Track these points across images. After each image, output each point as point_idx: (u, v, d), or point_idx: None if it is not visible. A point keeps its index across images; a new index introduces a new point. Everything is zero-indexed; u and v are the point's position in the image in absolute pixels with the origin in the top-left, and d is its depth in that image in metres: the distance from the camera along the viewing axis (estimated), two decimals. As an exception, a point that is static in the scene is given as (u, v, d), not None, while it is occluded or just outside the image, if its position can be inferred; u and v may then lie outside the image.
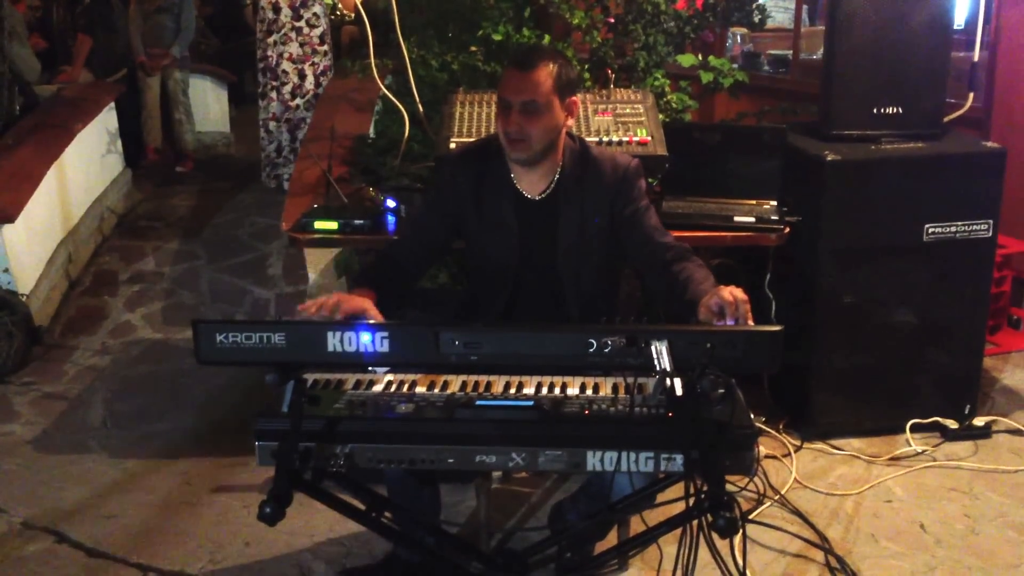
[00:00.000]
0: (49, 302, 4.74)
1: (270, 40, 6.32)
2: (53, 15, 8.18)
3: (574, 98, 2.44)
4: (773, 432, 3.45)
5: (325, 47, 6.39)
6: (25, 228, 4.57)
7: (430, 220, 2.58)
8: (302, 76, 6.36)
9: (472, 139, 3.07)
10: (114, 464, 3.38)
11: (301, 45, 6.32)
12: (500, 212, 2.51)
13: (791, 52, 5.79)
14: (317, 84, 6.37)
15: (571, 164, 2.49)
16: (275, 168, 6.57)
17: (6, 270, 4.37)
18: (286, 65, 6.34)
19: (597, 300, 2.57)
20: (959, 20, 3.97)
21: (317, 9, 6.33)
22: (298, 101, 6.38)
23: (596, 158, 2.52)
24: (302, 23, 6.31)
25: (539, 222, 2.50)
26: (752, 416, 1.94)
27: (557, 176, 2.49)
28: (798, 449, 3.36)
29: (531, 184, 2.50)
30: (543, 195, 2.50)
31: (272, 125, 6.49)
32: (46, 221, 4.96)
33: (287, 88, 6.38)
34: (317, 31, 6.33)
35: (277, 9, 6.28)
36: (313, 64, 6.35)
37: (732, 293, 2.03)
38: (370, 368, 2.08)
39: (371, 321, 2.07)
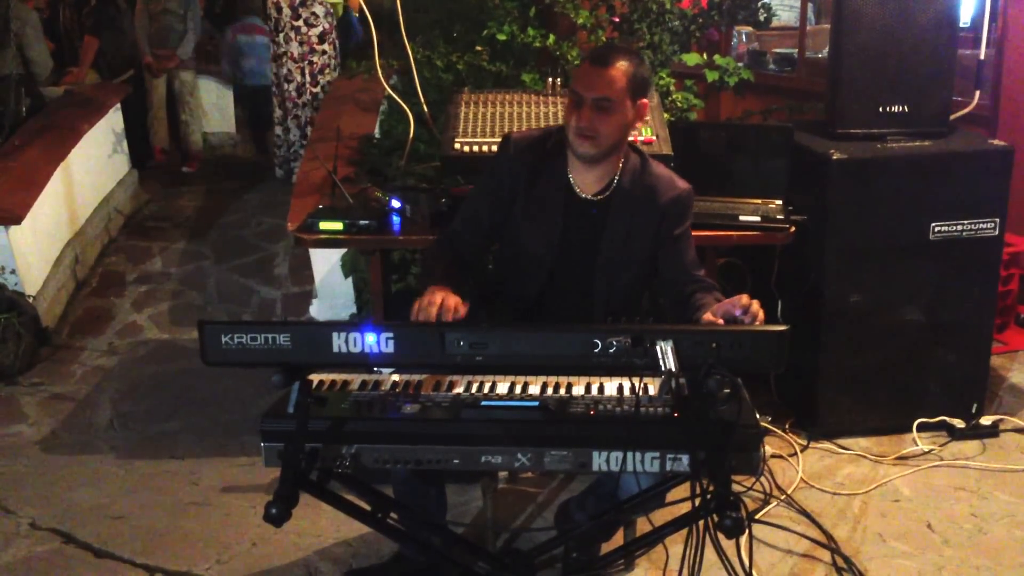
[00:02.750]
0: (56, 303, 4.76)
1: (276, 40, 6.38)
2: (60, 17, 8.21)
3: (645, 100, 2.42)
4: (779, 432, 3.44)
5: (324, 46, 6.42)
6: (32, 229, 4.59)
7: (482, 206, 2.54)
8: (304, 75, 6.40)
9: (477, 139, 3.07)
10: (121, 464, 3.39)
11: (300, 44, 6.35)
12: (549, 205, 2.47)
13: (797, 50, 5.78)
14: (315, 83, 6.40)
15: (629, 174, 2.47)
16: (286, 162, 6.64)
17: (13, 271, 4.38)
18: (289, 64, 6.38)
19: (622, 311, 2.53)
20: (965, 18, 3.95)
21: (317, 9, 6.36)
22: (304, 99, 6.42)
23: (656, 174, 2.49)
24: (300, 22, 6.34)
25: (586, 224, 2.48)
26: (758, 416, 1.93)
27: (614, 182, 2.46)
28: (804, 449, 3.35)
29: (586, 184, 2.47)
30: (596, 197, 2.47)
31: (280, 123, 6.55)
32: (53, 222, 4.98)
33: (292, 87, 6.42)
34: (316, 30, 6.37)
35: (279, 9, 6.33)
36: (311, 63, 6.38)
37: (741, 298, 2.04)
38: (375, 369, 2.09)
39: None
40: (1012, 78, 4.39)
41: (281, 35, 6.36)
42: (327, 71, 6.44)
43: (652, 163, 2.53)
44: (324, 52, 6.44)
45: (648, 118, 2.83)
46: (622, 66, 2.33)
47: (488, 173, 2.57)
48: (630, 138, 2.51)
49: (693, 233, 2.58)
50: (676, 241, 2.48)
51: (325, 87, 6.34)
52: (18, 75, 6.04)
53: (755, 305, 2.03)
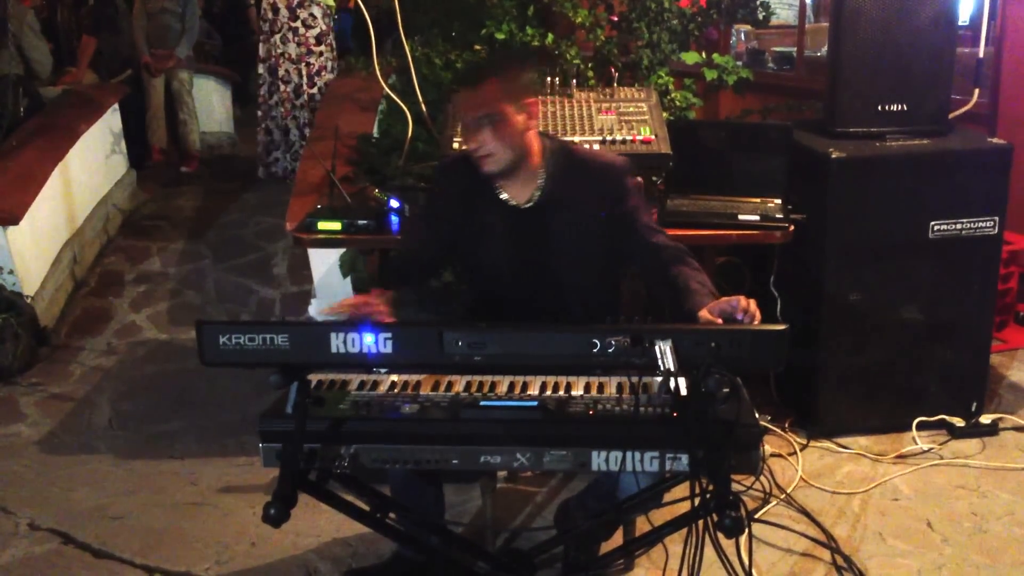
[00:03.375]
0: (55, 303, 4.75)
1: (272, 41, 6.37)
2: (57, 16, 8.20)
3: (530, 100, 2.41)
4: (779, 431, 3.44)
5: (322, 47, 6.43)
6: (30, 229, 4.58)
7: (427, 228, 2.60)
8: (301, 76, 6.40)
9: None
10: (120, 465, 3.39)
11: (298, 45, 6.35)
12: (488, 221, 2.49)
13: (796, 49, 5.77)
14: (312, 84, 6.40)
15: (555, 167, 2.46)
16: (270, 166, 6.64)
17: (11, 271, 4.38)
18: (287, 65, 6.38)
19: (599, 303, 2.55)
20: (964, 16, 3.95)
21: (315, 10, 6.36)
22: (302, 100, 6.42)
23: (582, 159, 2.50)
24: (298, 23, 6.34)
25: (531, 229, 2.48)
26: (757, 415, 1.93)
27: (542, 181, 2.46)
28: (804, 448, 3.35)
29: (516, 192, 2.48)
30: (531, 202, 2.48)
31: (270, 123, 6.55)
32: (51, 222, 4.97)
33: (289, 87, 6.41)
34: (314, 31, 6.37)
35: (276, 9, 6.32)
36: (308, 64, 6.38)
37: (740, 300, 2.03)
38: (374, 369, 2.09)
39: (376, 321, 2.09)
40: (1011, 76, 4.39)
41: (278, 36, 6.35)
42: (324, 72, 6.44)
43: (576, 149, 2.53)
44: (322, 54, 6.44)
45: (539, 114, 2.68)
46: (492, 79, 2.35)
47: (428, 199, 2.63)
48: (552, 131, 2.52)
49: (692, 232, 2.57)
50: (625, 215, 2.46)
51: (322, 88, 6.34)
52: (16, 75, 6.03)
53: (752, 305, 2.03)
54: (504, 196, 2.49)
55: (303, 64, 6.38)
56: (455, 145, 3.05)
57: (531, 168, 2.45)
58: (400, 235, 2.92)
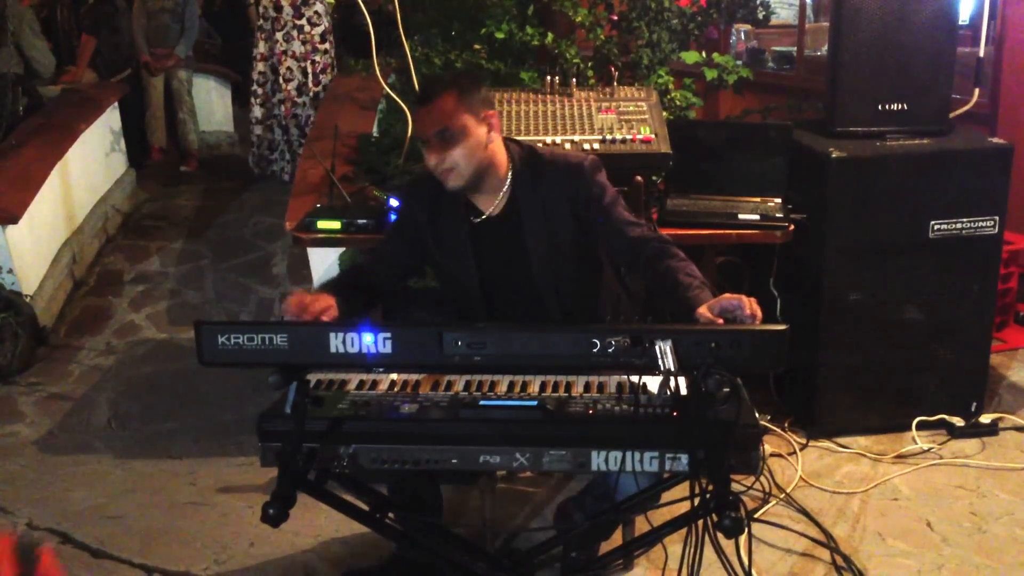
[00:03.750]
0: (54, 302, 4.75)
1: (275, 38, 6.36)
2: (57, 15, 8.19)
3: (489, 112, 2.37)
4: (778, 430, 3.44)
5: (326, 45, 6.42)
6: (29, 228, 4.58)
7: (395, 244, 2.55)
8: (305, 74, 6.39)
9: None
10: (119, 464, 3.38)
11: (303, 43, 6.34)
12: (456, 237, 2.46)
13: (796, 49, 5.78)
14: (317, 82, 6.40)
15: (522, 173, 2.43)
16: (270, 164, 6.63)
17: (11, 271, 4.38)
18: (290, 63, 6.37)
19: (578, 306, 2.51)
20: (964, 15, 3.95)
21: (319, 7, 6.35)
22: (304, 99, 6.41)
23: (548, 161, 2.44)
24: (303, 21, 6.33)
25: (503, 239, 2.45)
26: (757, 414, 1.93)
27: (508, 189, 2.43)
28: (804, 447, 3.35)
29: (485, 203, 2.45)
30: (500, 212, 2.44)
31: (272, 123, 6.54)
32: (50, 221, 4.97)
33: (292, 85, 6.41)
34: (318, 29, 6.36)
35: (279, 8, 6.31)
36: (313, 63, 6.38)
37: (743, 301, 1.98)
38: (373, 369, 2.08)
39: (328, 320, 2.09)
40: (1011, 76, 4.39)
41: (280, 34, 6.33)
42: (328, 71, 6.44)
43: (541, 152, 2.48)
44: (326, 52, 6.43)
45: (500, 127, 2.65)
46: (448, 94, 2.31)
47: (397, 216, 2.60)
48: (503, 141, 2.45)
49: (692, 232, 2.56)
50: (598, 213, 2.41)
51: (327, 86, 6.33)
52: (15, 74, 6.03)
53: (754, 304, 2.01)
54: (473, 208, 2.45)
55: (308, 62, 6.38)
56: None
57: (498, 177, 2.41)
58: (371, 251, 2.88)
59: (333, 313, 2.13)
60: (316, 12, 6.35)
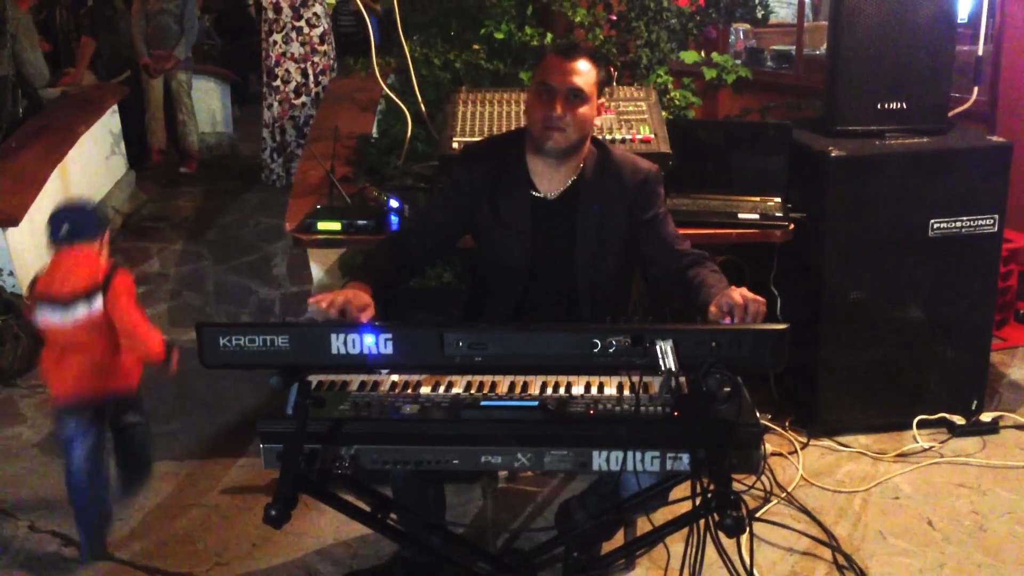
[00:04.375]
0: (54, 304, 4.74)
1: (272, 40, 6.36)
2: (56, 17, 8.19)
3: (602, 101, 2.43)
4: (779, 429, 3.44)
5: (325, 47, 6.43)
6: (29, 231, 4.57)
7: (442, 214, 2.53)
8: (305, 75, 6.39)
9: (475, 138, 3.06)
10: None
11: (302, 44, 6.34)
12: (515, 212, 2.45)
13: (795, 48, 5.77)
14: (316, 83, 6.40)
15: (591, 166, 2.45)
16: (278, 167, 6.62)
17: (11, 273, 4.38)
18: (289, 64, 6.37)
19: (610, 304, 2.52)
20: (963, 14, 3.94)
21: (318, 9, 6.36)
22: (303, 99, 6.41)
23: (617, 161, 2.47)
24: (302, 23, 6.33)
25: (556, 224, 2.46)
26: (758, 414, 1.93)
27: (576, 176, 2.45)
28: (804, 446, 3.35)
29: (549, 183, 2.45)
30: (560, 195, 2.45)
31: (275, 124, 6.53)
32: (51, 224, 4.96)
33: (290, 87, 6.41)
34: (317, 31, 6.37)
35: (278, 9, 6.31)
36: (313, 63, 6.38)
37: (743, 295, 2.00)
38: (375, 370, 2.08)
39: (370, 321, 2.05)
40: (1010, 74, 4.39)
41: (280, 35, 6.34)
42: (328, 72, 6.44)
43: (613, 150, 2.50)
44: (325, 53, 6.43)
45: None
46: (591, 61, 2.35)
47: (450, 183, 2.56)
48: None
49: (692, 231, 2.56)
50: (651, 223, 2.45)
51: (326, 87, 6.33)
52: (15, 76, 6.03)
53: (752, 305, 2.00)
54: (536, 185, 2.46)
55: (307, 63, 6.38)
56: (455, 145, 3.04)
57: (577, 158, 2.43)
58: (411, 217, 2.86)
59: (371, 313, 2.08)
60: (315, 13, 6.36)
